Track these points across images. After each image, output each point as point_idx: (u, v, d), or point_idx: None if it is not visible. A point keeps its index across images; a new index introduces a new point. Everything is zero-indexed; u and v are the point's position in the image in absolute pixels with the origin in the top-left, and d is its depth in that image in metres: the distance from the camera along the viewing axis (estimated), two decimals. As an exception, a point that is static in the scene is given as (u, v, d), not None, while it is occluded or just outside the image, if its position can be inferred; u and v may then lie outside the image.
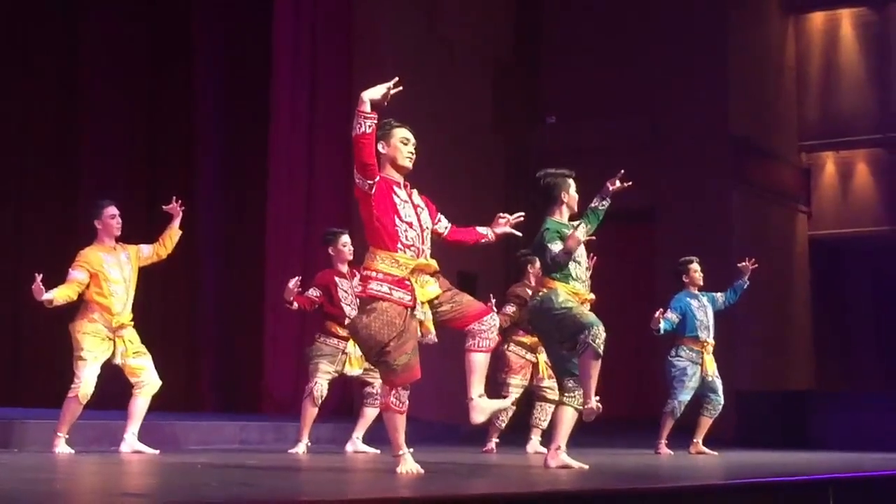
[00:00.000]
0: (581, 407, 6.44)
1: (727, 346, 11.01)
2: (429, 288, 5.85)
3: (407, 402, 5.74)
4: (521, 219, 6.39)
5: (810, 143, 16.50)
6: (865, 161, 16.27)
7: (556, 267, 6.50)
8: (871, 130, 16.06)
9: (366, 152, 5.68)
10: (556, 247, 6.43)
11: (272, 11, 13.06)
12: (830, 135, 16.37)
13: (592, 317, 6.44)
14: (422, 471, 5.72)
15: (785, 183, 16.15)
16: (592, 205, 6.68)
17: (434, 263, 5.91)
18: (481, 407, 5.87)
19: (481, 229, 6.37)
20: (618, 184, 6.67)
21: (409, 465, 5.73)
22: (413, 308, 5.76)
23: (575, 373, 6.46)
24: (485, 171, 14.81)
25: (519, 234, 6.45)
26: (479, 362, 5.87)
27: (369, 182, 5.74)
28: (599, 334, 6.34)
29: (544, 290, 6.58)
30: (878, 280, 16.39)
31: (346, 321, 8.57)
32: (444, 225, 6.12)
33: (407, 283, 5.76)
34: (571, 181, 6.73)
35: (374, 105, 5.68)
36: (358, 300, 5.96)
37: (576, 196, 6.73)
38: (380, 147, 5.83)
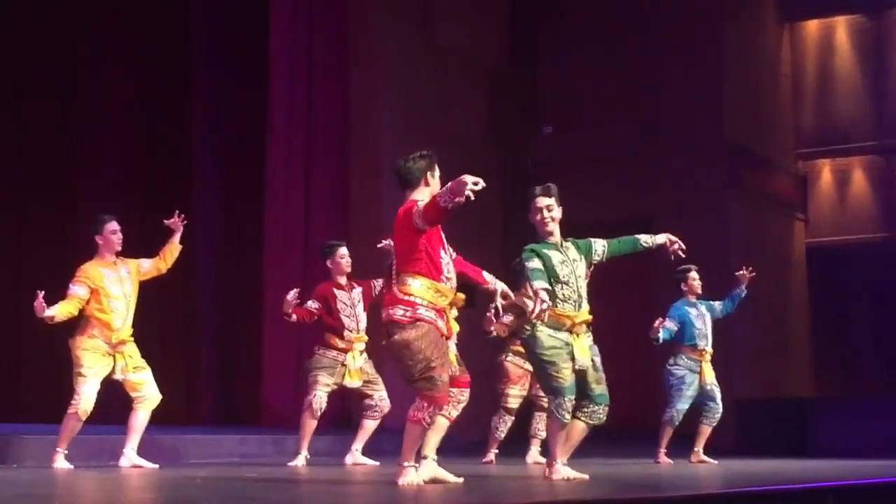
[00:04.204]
0: (593, 422, 6.39)
1: (726, 354, 11.00)
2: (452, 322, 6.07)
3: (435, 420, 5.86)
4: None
5: (807, 151, 16.48)
6: (862, 168, 16.26)
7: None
8: (868, 137, 16.04)
9: (443, 218, 5.78)
10: (538, 284, 6.13)
11: (269, 23, 13.08)
12: (827, 142, 16.34)
13: (565, 382, 6.21)
14: (422, 482, 5.74)
15: (782, 191, 16.15)
16: (638, 236, 6.55)
17: (463, 297, 6.08)
18: (431, 468, 5.95)
19: (488, 277, 6.43)
20: (675, 247, 6.51)
21: (410, 476, 5.77)
22: (448, 339, 5.96)
23: (586, 392, 6.37)
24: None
25: (503, 301, 6.51)
26: (441, 427, 6.03)
27: (427, 228, 5.83)
28: (564, 405, 6.21)
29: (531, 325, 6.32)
30: (876, 287, 16.36)
31: (345, 333, 8.61)
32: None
33: (444, 314, 5.92)
34: (543, 197, 6.44)
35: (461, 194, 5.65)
36: (391, 323, 5.84)
37: (544, 212, 6.40)
38: (428, 176, 6.04)
